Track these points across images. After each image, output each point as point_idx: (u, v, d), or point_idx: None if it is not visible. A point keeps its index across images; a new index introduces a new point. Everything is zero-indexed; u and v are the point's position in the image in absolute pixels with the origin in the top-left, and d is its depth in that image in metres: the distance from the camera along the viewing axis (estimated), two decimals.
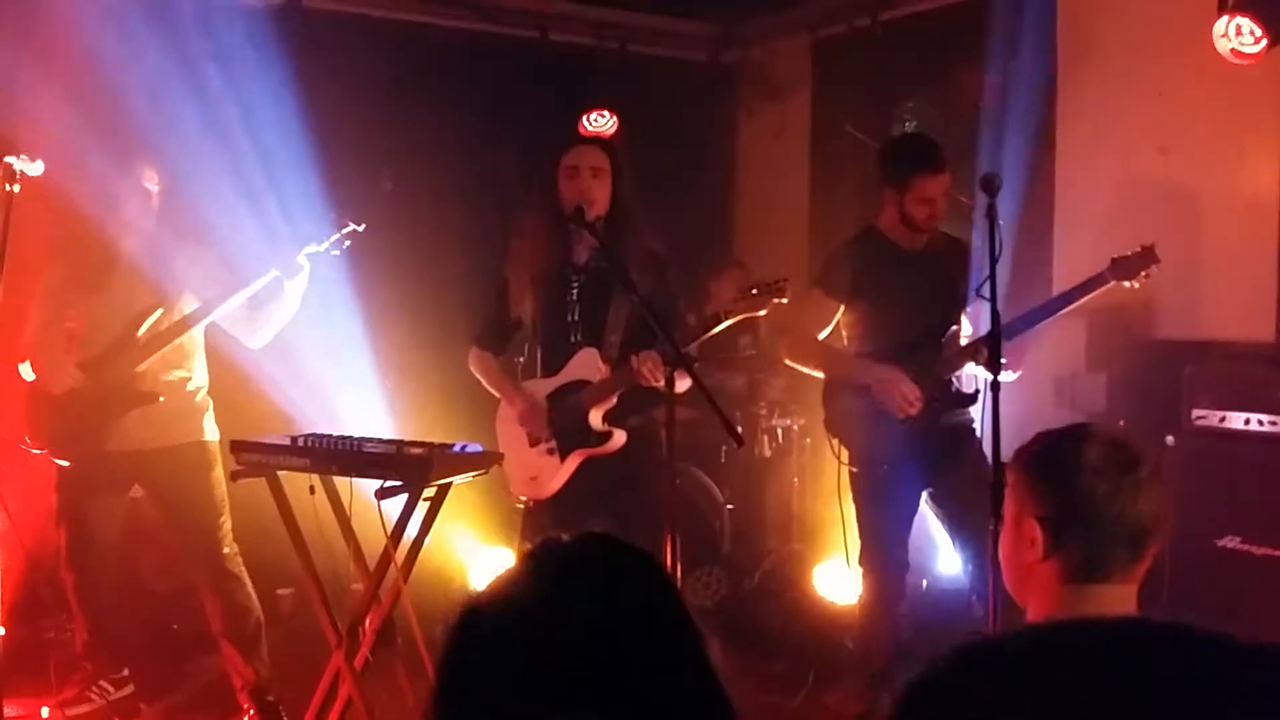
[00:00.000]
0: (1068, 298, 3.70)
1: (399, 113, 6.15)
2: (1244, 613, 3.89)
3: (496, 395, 3.79)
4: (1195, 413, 4.28)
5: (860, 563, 3.96)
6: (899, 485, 3.83)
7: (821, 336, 3.99)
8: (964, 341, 3.91)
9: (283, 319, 4.04)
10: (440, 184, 6.39)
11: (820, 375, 4.02)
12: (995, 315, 3.11)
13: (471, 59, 6.31)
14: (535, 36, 6.41)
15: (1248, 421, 4.18)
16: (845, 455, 3.94)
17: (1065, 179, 5.35)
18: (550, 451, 3.61)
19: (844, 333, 4.04)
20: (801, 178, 6.88)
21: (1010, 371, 3.62)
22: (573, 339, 3.62)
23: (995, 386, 3.06)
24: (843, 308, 3.95)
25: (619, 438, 3.56)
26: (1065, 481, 1.72)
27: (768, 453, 5.71)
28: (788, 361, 4.06)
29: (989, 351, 3.11)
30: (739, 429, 3.07)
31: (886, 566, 3.89)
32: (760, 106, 7.07)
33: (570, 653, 1.09)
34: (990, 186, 3.19)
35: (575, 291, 3.62)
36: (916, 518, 3.95)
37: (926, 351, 3.80)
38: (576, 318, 3.61)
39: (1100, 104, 5.17)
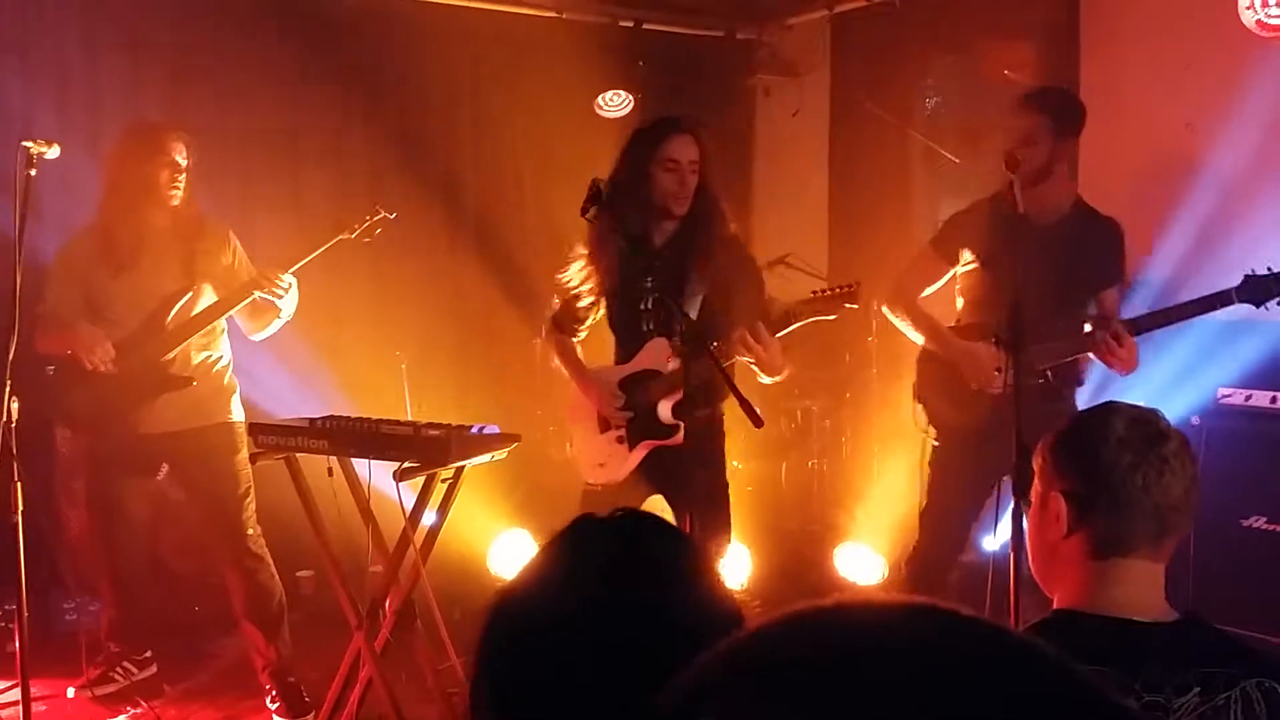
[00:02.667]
0: (1182, 311, 3.44)
1: (413, 92, 6.13)
2: (1269, 593, 3.86)
3: (572, 379, 3.73)
4: (1221, 391, 4.24)
5: (920, 520, 3.88)
6: (974, 464, 3.73)
7: (926, 294, 3.87)
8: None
9: (278, 323, 4.02)
10: (455, 163, 6.38)
11: (916, 338, 3.88)
12: (1015, 293, 3.06)
13: (487, 38, 6.28)
14: (551, 15, 6.37)
15: (1274, 400, 4.14)
16: (924, 421, 3.82)
17: (1089, 154, 5.28)
18: (620, 440, 3.58)
19: (958, 296, 3.89)
20: (820, 156, 6.83)
21: (1121, 372, 3.51)
22: (645, 328, 3.55)
23: (1018, 368, 3.01)
24: (954, 271, 3.81)
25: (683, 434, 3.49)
26: (1089, 454, 1.70)
27: (785, 432, 5.70)
28: (885, 312, 3.92)
29: (1009, 331, 3.05)
30: (757, 410, 3.02)
31: (941, 537, 3.79)
32: (778, 84, 7.02)
33: (595, 629, 1.09)
34: (1012, 163, 3.14)
35: (650, 280, 3.51)
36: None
37: (1029, 334, 3.48)
38: (649, 306, 3.53)
39: (1125, 79, 5.10)
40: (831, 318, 3.30)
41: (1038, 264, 3.51)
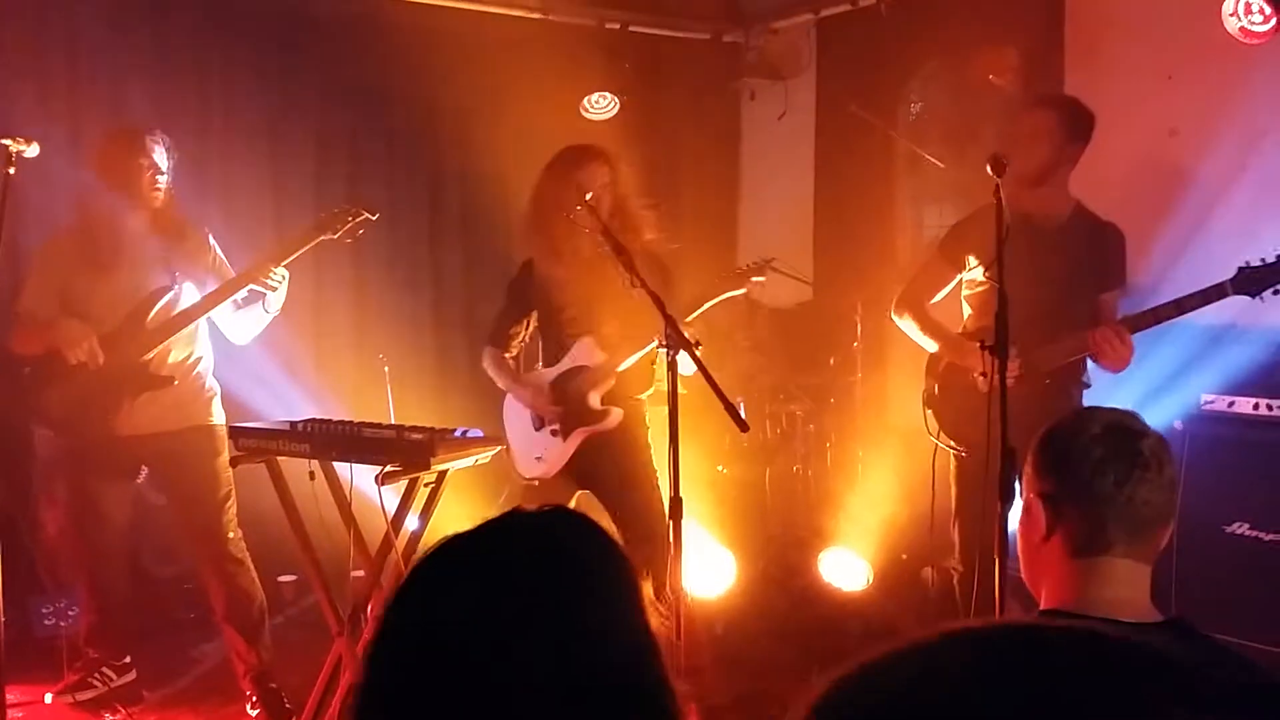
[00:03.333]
0: (1180, 307, 3.41)
1: (397, 94, 6.11)
2: (1252, 600, 3.87)
3: (505, 389, 4.02)
4: (1204, 397, 4.25)
5: (958, 535, 3.89)
6: (988, 470, 3.71)
7: (935, 301, 3.91)
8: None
9: (264, 321, 4.01)
10: (438, 166, 6.35)
11: (926, 344, 3.89)
12: (1002, 297, 3.06)
13: (472, 39, 6.26)
14: (536, 17, 6.36)
15: (1256, 406, 4.14)
16: (935, 428, 3.84)
17: None
18: (554, 433, 3.88)
19: (964, 304, 3.91)
20: (806, 159, 6.83)
21: (1117, 371, 3.54)
22: (571, 330, 3.88)
23: (1003, 372, 3.01)
24: (960, 277, 3.85)
25: (616, 415, 3.83)
26: (1063, 456, 1.74)
27: (769, 437, 5.69)
28: (894, 319, 3.96)
29: (996, 335, 3.05)
30: (742, 414, 3.05)
31: (972, 543, 3.78)
32: (764, 87, 7.02)
33: (501, 614, 1.06)
34: (998, 167, 3.14)
35: (577, 287, 3.85)
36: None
37: (1031, 336, 3.52)
38: (574, 314, 3.87)
39: (1109, 85, 5.12)
40: (741, 292, 3.66)
41: (1041, 267, 3.53)
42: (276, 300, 3.93)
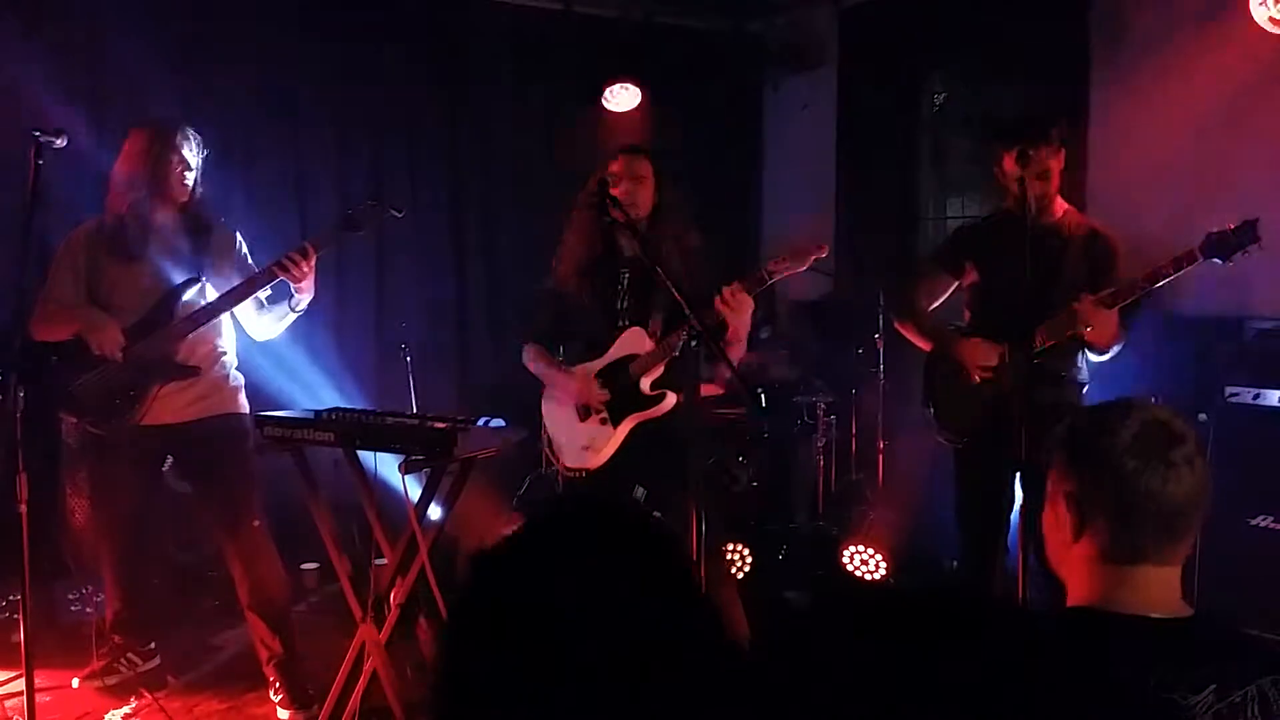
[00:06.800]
0: (1155, 276, 3.48)
1: (419, 84, 6.13)
2: (1276, 592, 3.85)
3: (547, 383, 3.94)
4: (1229, 390, 4.22)
5: (959, 523, 4.00)
6: (983, 461, 3.78)
7: (934, 307, 4.06)
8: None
9: (287, 319, 4.01)
10: (461, 157, 6.37)
11: (923, 343, 4.05)
12: (1025, 289, 3.06)
13: (495, 31, 6.27)
14: (559, 8, 6.36)
15: None
16: (936, 425, 3.97)
17: (1099, 155, 5.27)
18: (603, 421, 3.80)
19: (965, 309, 4.05)
20: (829, 151, 6.81)
21: (1103, 351, 3.62)
22: (620, 324, 3.81)
23: (1028, 365, 3.01)
24: (958, 283, 4.01)
25: (670, 399, 3.73)
26: (1094, 458, 1.65)
27: (794, 430, 5.68)
28: (896, 325, 4.14)
29: (1017, 325, 3.06)
30: (762, 398, 3.06)
31: (983, 534, 3.89)
32: (786, 78, 7.00)
33: (566, 618, 1.07)
34: (1024, 160, 3.14)
35: (624, 282, 3.81)
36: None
37: (1017, 326, 3.61)
38: (624, 305, 3.81)
39: (1135, 77, 5.08)
40: (802, 269, 3.59)
41: (1030, 264, 3.61)
42: (303, 298, 3.94)
